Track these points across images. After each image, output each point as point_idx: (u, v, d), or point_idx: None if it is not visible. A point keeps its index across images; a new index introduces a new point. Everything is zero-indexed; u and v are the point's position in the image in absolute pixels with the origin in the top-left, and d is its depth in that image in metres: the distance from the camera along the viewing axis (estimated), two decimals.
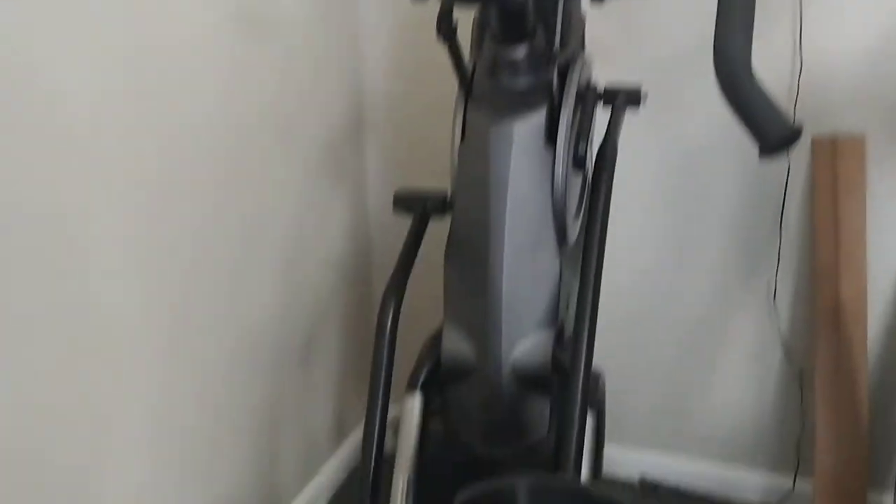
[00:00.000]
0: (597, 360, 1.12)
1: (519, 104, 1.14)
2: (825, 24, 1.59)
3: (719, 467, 1.94)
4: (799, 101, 1.63)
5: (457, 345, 1.19)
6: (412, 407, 1.17)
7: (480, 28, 1.23)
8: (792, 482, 1.86)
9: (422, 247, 1.28)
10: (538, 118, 1.13)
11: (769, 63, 1.62)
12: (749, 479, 1.92)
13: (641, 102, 1.29)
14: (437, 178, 1.43)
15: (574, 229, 1.22)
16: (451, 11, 1.10)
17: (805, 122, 1.64)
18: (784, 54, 1.62)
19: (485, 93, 1.17)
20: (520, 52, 1.15)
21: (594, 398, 1.17)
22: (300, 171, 1.69)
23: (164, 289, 1.30)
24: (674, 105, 1.70)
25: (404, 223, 1.28)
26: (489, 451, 1.21)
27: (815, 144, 1.66)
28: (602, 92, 1.29)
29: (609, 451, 1.40)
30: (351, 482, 2.00)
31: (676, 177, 1.76)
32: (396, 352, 1.22)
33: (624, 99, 1.29)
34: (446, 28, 1.10)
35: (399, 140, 1.97)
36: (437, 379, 1.21)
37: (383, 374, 1.18)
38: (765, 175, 1.69)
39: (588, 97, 1.22)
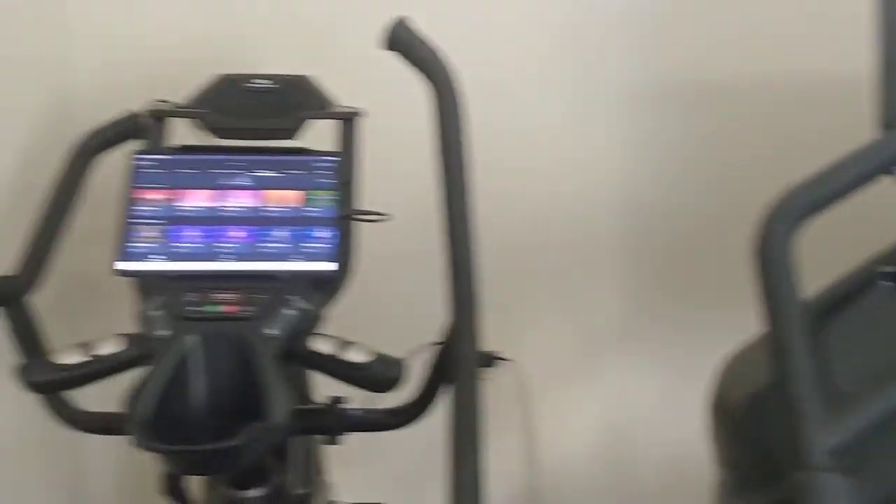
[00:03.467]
0: None
1: None
2: (555, 425, 1.69)
3: None
4: (539, 501, 1.68)
5: None
6: None
7: None
8: None
9: None
10: None
11: (503, 467, 1.67)
12: None
13: None
14: None
15: None
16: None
17: None
18: (518, 459, 1.69)
19: None
20: (255, 493, 1.11)
21: None
22: None
23: None
24: None
25: None
26: None
27: None
28: None
29: None
30: None
31: None
32: None
33: None
34: (173, 487, 1.05)
35: None
36: None
37: None
38: None
39: None
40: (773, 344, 0.77)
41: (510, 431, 1.69)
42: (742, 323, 0.99)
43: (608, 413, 1.69)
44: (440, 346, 1.08)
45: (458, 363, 0.97)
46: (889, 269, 0.99)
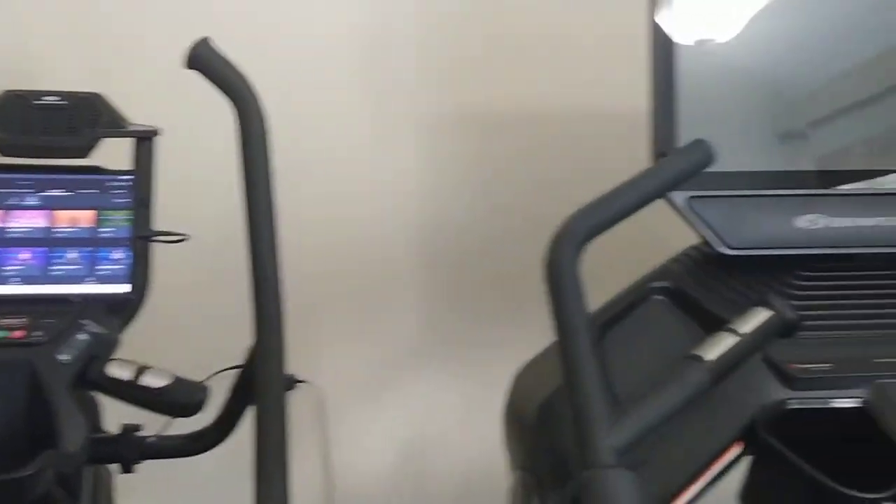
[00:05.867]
0: None
1: None
2: (353, 445, 1.70)
3: None
4: None
5: None
6: None
7: None
8: None
9: None
10: None
11: (301, 490, 1.68)
12: None
13: None
14: None
15: None
16: None
17: None
18: (315, 480, 1.69)
19: None
20: None
21: None
22: None
23: None
24: None
25: None
26: None
27: None
28: None
29: None
30: None
31: None
32: None
33: None
34: None
35: None
36: None
37: None
38: None
39: None
40: (562, 356, 0.83)
41: (308, 453, 1.69)
42: (533, 337, 1.06)
43: (406, 430, 1.73)
44: (243, 369, 1.08)
45: (264, 385, 0.98)
46: (661, 283, 1.10)
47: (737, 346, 0.89)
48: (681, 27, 1.10)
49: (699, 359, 0.87)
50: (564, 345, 0.84)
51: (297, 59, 1.63)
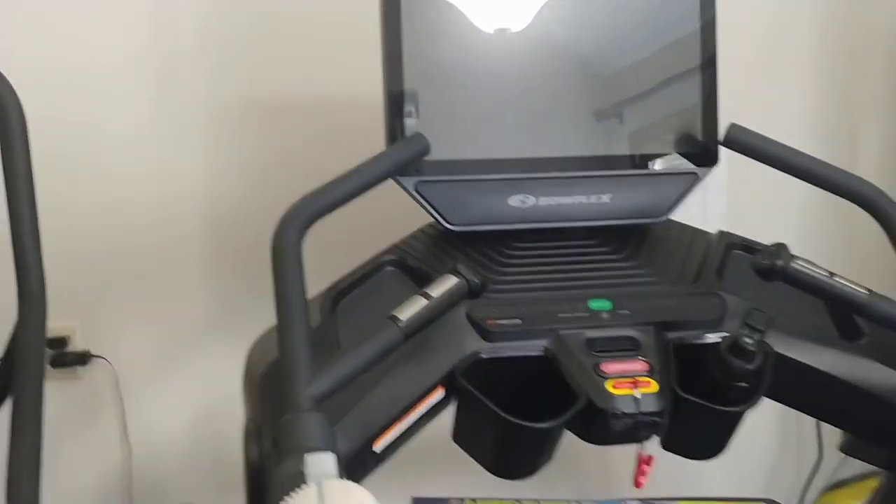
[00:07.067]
0: None
1: None
2: (149, 414, 1.81)
3: None
4: (133, 483, 1.81)
5: None
6: None
7: None
8: None
9: None
10: None
11: (97, 456, 1.79)
12: None
13: None
14: None
15: None
16: None
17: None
18: (112, 445, 1.80)
19: None
20: None
21: None
22: None
23: None
24: None
25: None
26: None
27: None
28: None
29: None
30: None
31: None
32: None
33: None
34: None
35: None
36: None
37: None
38: None
39: None
40: (277, 322, 0.98)
41: (106, 425, 1.79)
42: None
43: (197, 398, 1.85)
44: (3, 361, 1.13)
45: (20, 373, 1.04)
46: (392, 256, 1.26)
47: (426, 307, 1.06)
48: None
49: (396, 319, 1.03)
50: (279, 312, 0.99)
51: (69, 52, 1.70)
